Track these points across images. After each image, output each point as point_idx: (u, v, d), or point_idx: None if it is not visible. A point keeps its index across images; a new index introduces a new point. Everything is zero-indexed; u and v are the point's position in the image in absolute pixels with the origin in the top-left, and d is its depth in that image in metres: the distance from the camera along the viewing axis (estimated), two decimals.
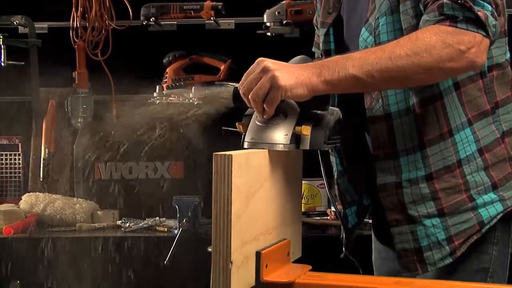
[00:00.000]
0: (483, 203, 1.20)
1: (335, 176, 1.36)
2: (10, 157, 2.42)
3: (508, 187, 1.22)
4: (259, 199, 1.03)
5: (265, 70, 1.03)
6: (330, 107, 1.14)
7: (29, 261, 1.96)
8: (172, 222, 2.09)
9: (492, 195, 1.20)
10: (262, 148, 1.05)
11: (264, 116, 1.06)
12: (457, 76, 1.19)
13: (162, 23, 2.42)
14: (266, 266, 1.02)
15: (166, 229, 2.07)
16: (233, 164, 0.93)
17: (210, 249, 0.96)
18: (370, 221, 1.47)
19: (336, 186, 1.37)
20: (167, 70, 2.33)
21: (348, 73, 1.05)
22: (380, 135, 1.22)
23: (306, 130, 1.06)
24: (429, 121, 1.19)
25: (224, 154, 0.93)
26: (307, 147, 1.08)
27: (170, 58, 2.34)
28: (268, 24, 2.29)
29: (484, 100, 1.21)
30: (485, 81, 1.21)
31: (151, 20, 2.37)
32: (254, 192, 1.01)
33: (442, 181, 1.19)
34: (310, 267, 1.10)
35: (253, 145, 1.06)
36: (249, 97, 1.04)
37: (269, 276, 1.03)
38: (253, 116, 1.08)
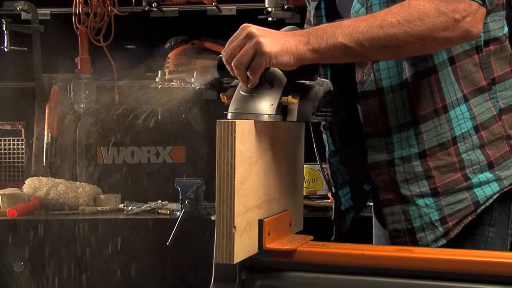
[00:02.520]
0: (478, 182, 1.16)
1: (327, 155, 1.33)
2: (13, 142, 2.43)
3: (505, 166, 1.17)
4: (261, 169, 1.02)
5: (249, 36, 0.99)
6: (319, 78, 1.10)
7: (33, 242, 1.97)
8: (174, 206, 2.09)
9: (488, 175, 1.16)
10: (247, 119, 1.01)
11: (248, 85, 1.02)
12: (452, 50, 1.15)
13: (164, 9, 2.43)
14: (269, 234, 1.02)
15: (168, 212, 2.07)
16: (236, 130, 0.92)
17: (213, 218, 0.96)
18: (371, 204, 1.43)
19: (328, 166, 1.33)
20: (169, 55, 2.33)
21: (337, 42, 1.01)
22: (372, 111, 1.18)
23: (293, 100, 1.02)
24: (423, 96, 1.15)
25: (228, 121, 0.93)
26: (295, 119, 1.04)
27: (172, 43, 2.33)
28: (269, 9, 2.28)
29: (480, 75, 1.17)
30: (481, 56, 1.17)
31: (153, 6, 2.37)
32: (256, 160, 1.00)
33: (436, 159, 1.16)
34: (312, 237, 1.09)
35: (237, 115, 1.02)
36: (232, 64, 1.00)
37: (272, 244, 1.03)
38: (237, 86, 1.05)
